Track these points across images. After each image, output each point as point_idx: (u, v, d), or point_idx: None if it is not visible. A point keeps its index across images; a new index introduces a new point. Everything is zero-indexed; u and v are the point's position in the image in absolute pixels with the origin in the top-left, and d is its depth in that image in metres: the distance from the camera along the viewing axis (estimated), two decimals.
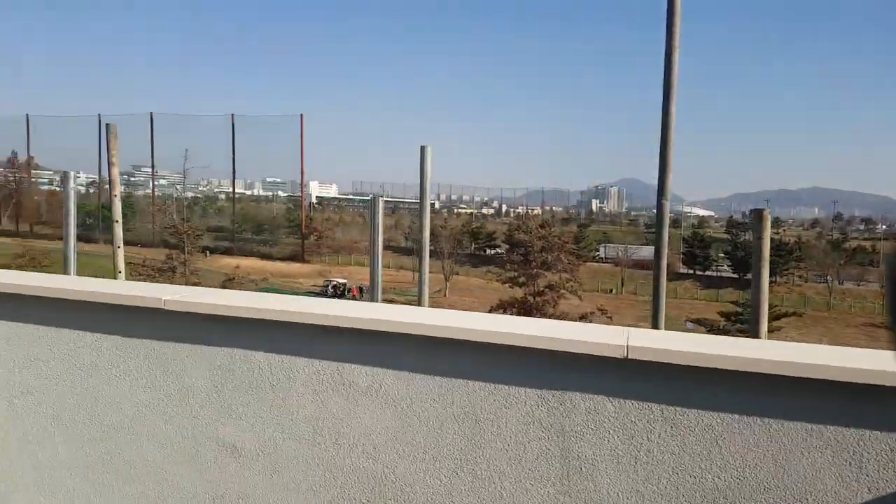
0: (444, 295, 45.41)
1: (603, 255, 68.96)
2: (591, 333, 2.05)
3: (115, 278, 3.90)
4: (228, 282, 28.94)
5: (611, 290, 54.01)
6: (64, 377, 2.56)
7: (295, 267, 62.66)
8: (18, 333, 2.60)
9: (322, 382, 2.27)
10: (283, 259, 66.41)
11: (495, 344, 2.08)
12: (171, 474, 2.46)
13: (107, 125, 3.94)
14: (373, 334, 2.19)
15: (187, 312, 2.33)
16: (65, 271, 3.66)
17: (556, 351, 2.01)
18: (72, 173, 3.51)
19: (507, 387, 2.10)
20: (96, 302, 2.44)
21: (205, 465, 2.40)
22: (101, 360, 2.50)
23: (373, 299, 3.27)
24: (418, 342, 2.16)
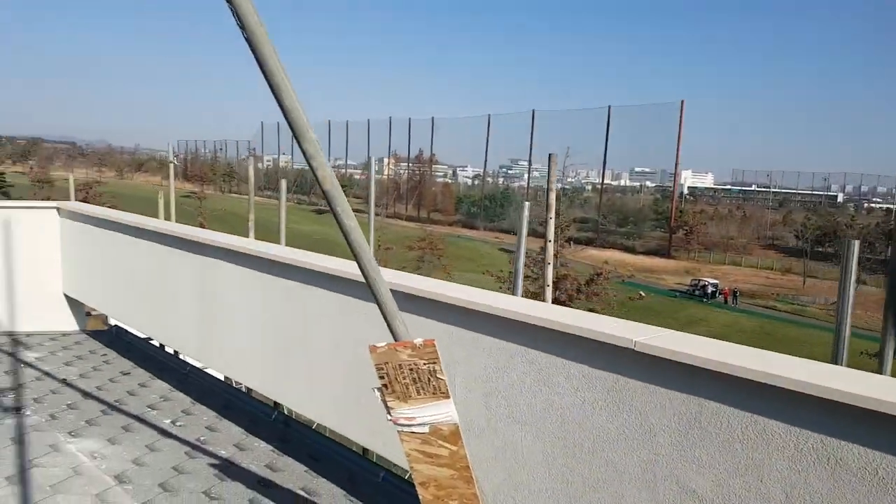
0: None
1: None
2: None
3: (542, 299, 4.38)
4: (596, 276, 29.81)
5: None
6: (532, 389, 3.01)
7: (658, 262, 61.05)
8: (499, 347, 3.15)
9: (802, 451, 2.13)
10: (645, 253, 65.43)
11: None
12: (627, 499, 2.65)
13: (549, 155, 4.45)
14: (860, 411, 1.95)
15: (656, 356, 2.46)
16: (512, 290, 4.29)
17: None
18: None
19: None
20: (568, 333, 2.77)
21: (662, 502, 2.52)
22: (568, 383, 2.84)
23: (836, 360, 2.85)
24: None
